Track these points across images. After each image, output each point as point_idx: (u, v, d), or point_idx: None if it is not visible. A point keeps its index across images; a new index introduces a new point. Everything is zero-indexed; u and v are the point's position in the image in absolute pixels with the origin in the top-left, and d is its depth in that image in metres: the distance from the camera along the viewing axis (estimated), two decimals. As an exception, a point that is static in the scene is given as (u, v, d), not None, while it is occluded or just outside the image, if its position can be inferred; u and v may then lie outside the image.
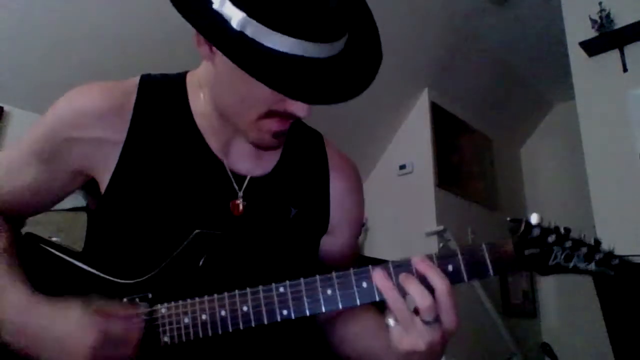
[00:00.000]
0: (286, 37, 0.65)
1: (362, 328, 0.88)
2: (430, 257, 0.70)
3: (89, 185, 0.86)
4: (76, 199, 0.91)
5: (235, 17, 0.65)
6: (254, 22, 0.65)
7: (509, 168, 4.69)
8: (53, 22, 2.34)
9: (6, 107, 2.47)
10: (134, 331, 0.70)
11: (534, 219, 0.70)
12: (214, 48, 0.72)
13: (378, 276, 0.69)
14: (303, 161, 0.93)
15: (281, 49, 0.65)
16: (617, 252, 0.73)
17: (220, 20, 0.66)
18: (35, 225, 0.90)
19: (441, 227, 3.52)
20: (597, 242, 0.70)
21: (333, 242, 0.95)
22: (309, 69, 0.67)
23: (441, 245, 3.54)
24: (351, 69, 0.72)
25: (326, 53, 0.68)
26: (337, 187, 0.94)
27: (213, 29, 0.66)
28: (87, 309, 0.69)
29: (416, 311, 0.68)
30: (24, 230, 0.88)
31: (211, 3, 0.67)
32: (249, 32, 0.65)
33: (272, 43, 0.65)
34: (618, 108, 2.65)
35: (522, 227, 0.70)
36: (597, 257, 0.69)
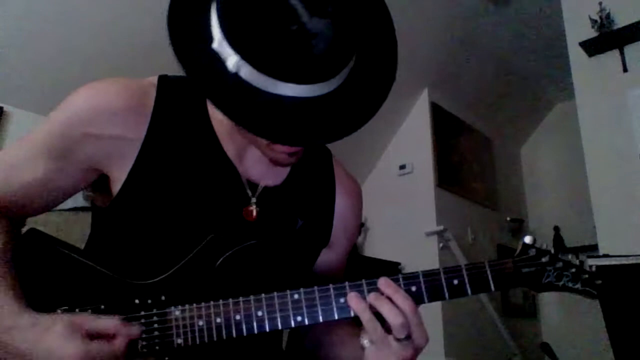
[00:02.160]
0: (276, 81, 0.66)
1: (336, 337, 0.91)
2: (396, 280, 0.75)
3: (95, 182, 0.85)
4: (76, 199, 0.90)
5: (231, 59, 0.66)
6: (247, 64, 0.66)
7: (509, 168, 4.69)
8: (54, 22, 2.34)
9: (6, 107, 2.47)
10: (117, 350, 0.69)
11: (527, 239, 0.79)
12: None
13: (352, 298, 0.74)
14: (312, 176, 0.95)
15: (273, 91, 0.67)
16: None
17: (218, 61, 0.67)
18: (34, 226, 0.89)
19: (441, 227, 3.52)
20: (582, 263, 0.79)
21: (329, 255, 0.98)
22: (299, 110, 0.68)
23: (441, 245, 3.54)
24: (352, 102, 0.72)
25: (321, 91, 0.68)
26: (342, 204, 0.97)
27: (203, 76, 0.68)
28: (69, 329, 0.67)
29: (388, 330, 0.72)
30: (26, 228, 0.87)
31: (212, 41, 0.68)
32: (242, 74, 0.66)
33: (263, 86, 0.66)
34: (618, 108, 2.65)
35: (520, 248, 0.79)
36: (583, 277, 0.78)
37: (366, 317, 0.72)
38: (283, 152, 0.78)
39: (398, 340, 0.71)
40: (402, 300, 0.72)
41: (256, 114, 0.67)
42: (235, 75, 0.67)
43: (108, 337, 0.69)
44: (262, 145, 0.78)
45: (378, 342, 0.72)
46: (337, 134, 0.69)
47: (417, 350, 0.73)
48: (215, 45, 0.68)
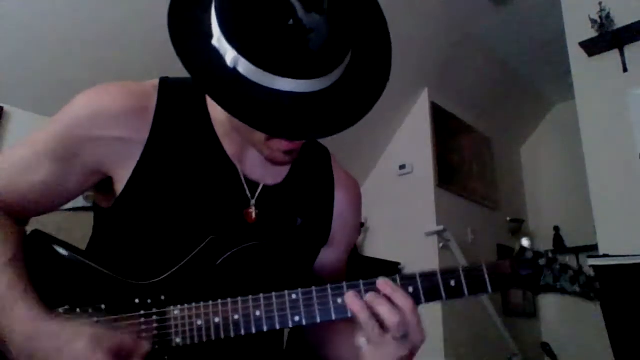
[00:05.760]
0: (273, 76, 0.67)
1: (339, 337, 0.90)
2: (394, 280, 0.75)
3: (98, 183, 0.86)
4: (76, 200, 0.90)
5: (229, 54, 0.67)
6: (244, 59, 0.67)
7: (509, 168, 4.70)
8: (54, 22, 2.34)
9: (6, 107, 2.47)
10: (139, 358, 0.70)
11: (525, 242, 0.79)
12: None
13: (349, 297, 0.74)
14: (311, 174, 0.95)
15: (270, 86, 0.67)
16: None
17: (216, 57, 0.68)
18: (34, 226, 0.89)
19: (441, 227, 3.52)
20: (581, 267, 0.80)
21: (329, 253, 0.98)
22: (296, 105, 0.68)
23: (441, 245, 3.54)
24: (348, 98, 0.72)
25: (317, 87, 0.69)
26: (341, 202, 0.97)
27: (202, 72, 0.68)
28: (93, 343, 0.68)
29: (385, 329, 0.72)
30: (29, 229, 0.87)
31: (211, 38, 0.69)
32: (240, 69, 0.67)
33: (260, 80, 0.67)
34: (618, 108, 2.65)
35: (517, 250, 0.79)
36: (581, 280, 0.79)
37: (363, 316, 0.72)
38: (279, 150, 0.78)
39: (395, 339, 0.71)
40: (401, 298, 0.72)
41: (254, 107, 0.68)
42: (234, 70, 0.67)
43: (127, 354, 0.70)
44: (259, 143, 0.78)
45: (375, 342, 0.72)
46: (332, 129, 0.70)
47: (414, 350, 0.73)
48: (214, 41, 0.69)
